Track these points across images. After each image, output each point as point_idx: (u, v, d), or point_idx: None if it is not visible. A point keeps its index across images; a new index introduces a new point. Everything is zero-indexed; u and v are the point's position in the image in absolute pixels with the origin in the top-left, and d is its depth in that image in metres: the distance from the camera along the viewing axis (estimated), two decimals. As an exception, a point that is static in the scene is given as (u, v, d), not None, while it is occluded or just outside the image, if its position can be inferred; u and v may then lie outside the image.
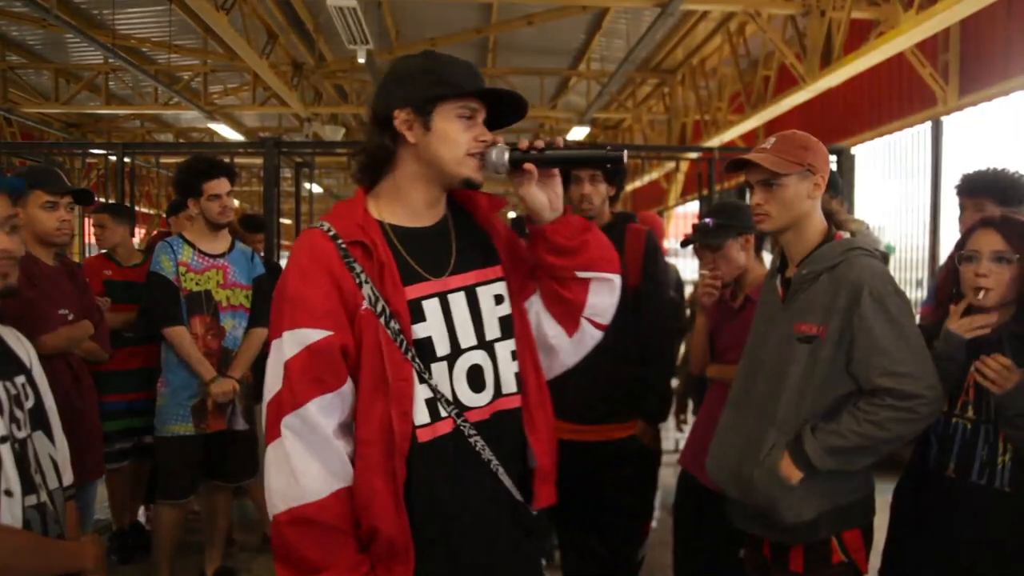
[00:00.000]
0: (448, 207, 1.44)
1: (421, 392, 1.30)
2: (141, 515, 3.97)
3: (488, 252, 1.45)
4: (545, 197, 1.40)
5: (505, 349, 1.40)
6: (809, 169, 1.77)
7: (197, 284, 3.01)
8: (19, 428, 1.41)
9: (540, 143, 1.38)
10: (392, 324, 1.29)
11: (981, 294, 1.75)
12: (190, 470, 3.04)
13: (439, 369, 1.33)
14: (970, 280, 1.78)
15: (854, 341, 1.69)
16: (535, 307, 1.49)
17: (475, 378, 1.36)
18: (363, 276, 1.30)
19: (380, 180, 1.40)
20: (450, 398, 1.32)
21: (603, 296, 1.48)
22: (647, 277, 2.68)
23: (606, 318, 1.51)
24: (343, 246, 1.31)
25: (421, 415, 1.30)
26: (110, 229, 3.66)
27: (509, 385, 1.40)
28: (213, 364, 3.00)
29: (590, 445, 2.72)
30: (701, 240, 2.45)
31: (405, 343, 1.29)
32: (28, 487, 1.39)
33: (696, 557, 2.57)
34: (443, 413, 1.32)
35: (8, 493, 1.33)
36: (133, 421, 3.48)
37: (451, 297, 1.37)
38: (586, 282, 1.45)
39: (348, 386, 1.29)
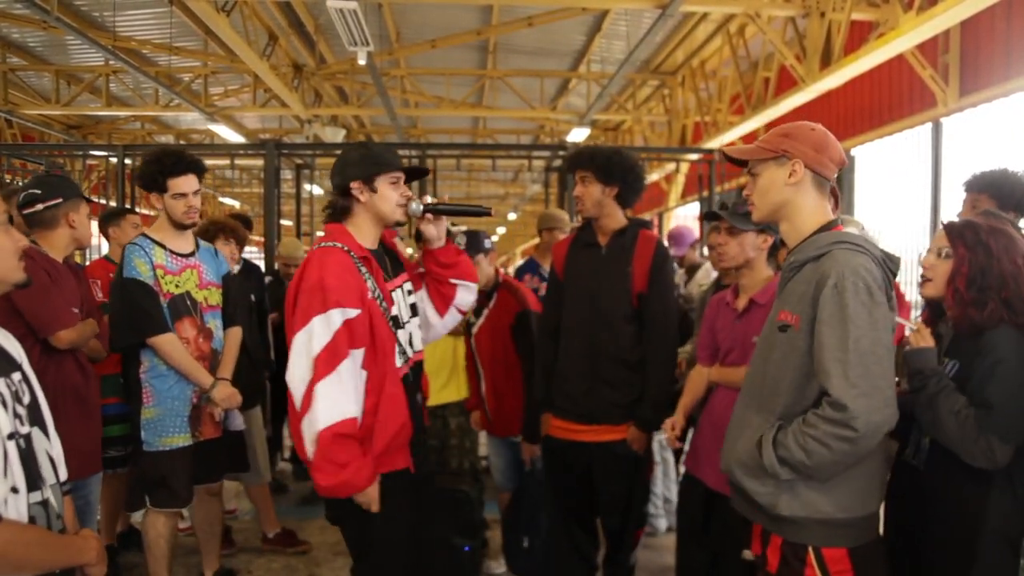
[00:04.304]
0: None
1: (396, 348, 2.13)
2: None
3: (399, 264, 2.31)
4: (435, 231, 2.24)
5: (415, 323, 2.29)
6: (784, 155, 1.72)
7: (177, 286, 2.84)
8: (22, 424, 1.42)
9: (433, 200, 2.25)
10: (383, 305, 2.11)
11: (925, 284, 1.96)
12: (188, 479, 2.88)
13: (403, 333, 2.18)
14: (922, 272, 1.97)
15: (814, 333, 1.63)
16: (422, 298, 2.35)
17: (411, 340, 2.23)
18: (368, 276, 2.08)
19: (346, 219, 2.16)
20: (406, 350, 2.18)
21: (466, 295, 2.37)
22: (652, 285, 2.70)
23: (466, 307, 2.42)
24: (355, 257, 2.08)
25: (398, 360, 2.13)
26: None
27: (418, 345, 2.29)
28: (207, 367, 2.87)
29: (584, 445, 2.74)
30: (728, 218, 2.42)
31: (390, 317, 2.13)
32: (32, 484, 1.41)
33: (700, 559, 2.57)
34: (402, 360, 2.15)
35: (14, 490, 1.34)
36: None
37: (397, 291, 2.23)
38: (455, 285, 2.33)
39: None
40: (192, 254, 2.94)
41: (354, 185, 2.11)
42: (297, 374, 1.97)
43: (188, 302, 2.86)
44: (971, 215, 2.35)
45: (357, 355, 2.01)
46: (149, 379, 2.81)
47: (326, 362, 1.94)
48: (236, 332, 3.04)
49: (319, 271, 2.00)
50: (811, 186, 1.73)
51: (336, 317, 1.96)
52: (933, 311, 2.02)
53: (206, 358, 2.89)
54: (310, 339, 1.96)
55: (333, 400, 1.94)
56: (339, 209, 2.16)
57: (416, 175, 2.31)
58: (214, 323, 2.95)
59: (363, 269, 2.07)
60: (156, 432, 2.80)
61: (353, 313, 1.99)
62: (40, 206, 2.72)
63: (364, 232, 2.16)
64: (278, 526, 3.87)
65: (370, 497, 2.02)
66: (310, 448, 1.96)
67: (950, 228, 1.91)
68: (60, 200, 2.74)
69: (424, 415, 2.34)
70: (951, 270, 1.87)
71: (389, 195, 2.13)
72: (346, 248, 2.07)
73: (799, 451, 1.59)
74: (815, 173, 1.73)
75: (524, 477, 3.21)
